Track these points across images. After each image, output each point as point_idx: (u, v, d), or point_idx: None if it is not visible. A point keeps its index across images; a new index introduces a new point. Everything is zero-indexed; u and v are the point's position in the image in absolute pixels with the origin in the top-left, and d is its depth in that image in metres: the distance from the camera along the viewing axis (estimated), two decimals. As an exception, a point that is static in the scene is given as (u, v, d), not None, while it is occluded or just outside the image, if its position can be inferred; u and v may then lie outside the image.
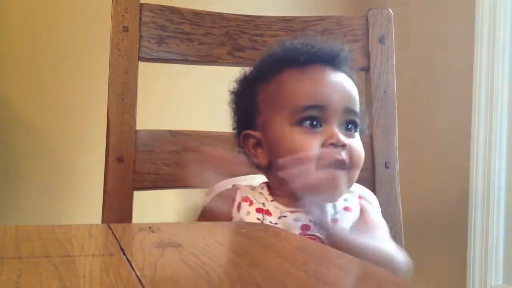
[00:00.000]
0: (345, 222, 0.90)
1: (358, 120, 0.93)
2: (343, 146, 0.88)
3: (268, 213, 0.90)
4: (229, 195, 0.93)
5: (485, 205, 1.97)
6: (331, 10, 2.27)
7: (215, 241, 0.61)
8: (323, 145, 0.88)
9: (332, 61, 0.94)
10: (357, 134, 0.93)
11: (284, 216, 0.89)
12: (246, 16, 1.17)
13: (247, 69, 1.00)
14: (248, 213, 0.90)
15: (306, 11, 2.20)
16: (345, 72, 0.95)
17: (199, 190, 0.90)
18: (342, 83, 0.93)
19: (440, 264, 2.08)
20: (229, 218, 0.91)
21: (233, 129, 0.99)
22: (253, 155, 0.94)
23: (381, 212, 1.08)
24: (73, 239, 0.59)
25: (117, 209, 1.07)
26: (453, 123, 2.11)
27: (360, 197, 0.96)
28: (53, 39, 2.01)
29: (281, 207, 0.91)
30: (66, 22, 2.03)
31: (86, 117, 2.00)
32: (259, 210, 0.91)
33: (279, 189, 0.93)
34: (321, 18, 1.20)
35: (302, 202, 0.85)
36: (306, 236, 0.87)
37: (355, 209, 0.92)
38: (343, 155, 0.88)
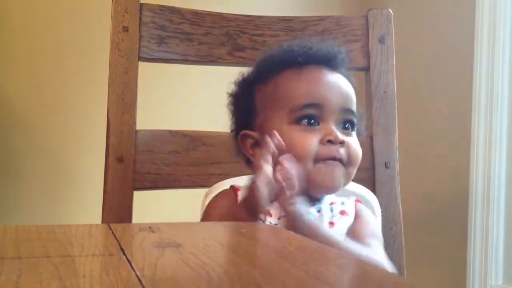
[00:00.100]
0: (342, 225, 0.91)
1: (355, 120, 0.94)
2: (341, 143, 0.90)
3: (268, 213, 0.90)
4: (229, 195, 0.93)
5: (485, 205, 1.97)
6: (331, 10, 2.27)
7: (215, 241, 0.61)
8: (321, 142, 0.90)
9: (329, 62, 0.96)
10: (354, 133, 0.94)
11: (284, 216, 0.90)
12: (246, 16, 1.17)
13: (245, 71, 1.01)
14: (249, 213, 0.91)
15: (306, 11, 2.20)
16: (341, 73, 0.96)
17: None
18: (339, 83, 0.94)
19: (440, 264, 2.08)
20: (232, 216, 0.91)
21: (231, 130, 1.00)
22: (251, 155, 0.95)
23: (381, 212, 1.08)
24: (73, 239, 0.59)
25: (117, 209, 1.07)
26: (453, 123, 2.11)
27: (358, 200, 0.97)
28: (53, 39, 2.01)
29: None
30: (66, 22, 2.03)
31: (86, 117, 2.00)
32: None
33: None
34: (321, 18, 1.20)
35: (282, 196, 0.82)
36: None
37: (351, 213, 0.94)
38: (341, 151, 0.90)
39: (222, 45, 1.15)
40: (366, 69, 1.19)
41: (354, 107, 0.95)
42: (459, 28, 2.10)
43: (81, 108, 2.01)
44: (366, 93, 1.18)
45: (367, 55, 1.19)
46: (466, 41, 2.03)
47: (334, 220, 0.92)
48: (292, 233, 0.66)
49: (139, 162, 1.08)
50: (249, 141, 0.95)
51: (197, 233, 0.67)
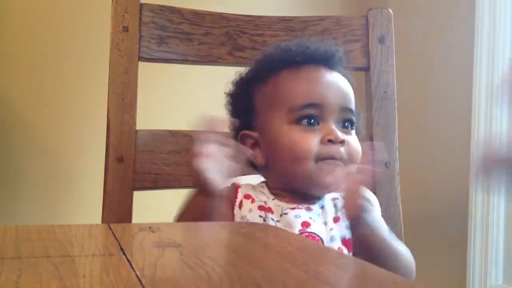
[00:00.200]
0: (346, 220, 0.92)
1: (354, 118, 0.95)
2: (341, 142, 0.91)
3: (270, 210, 0.92)
4: (228, 193, 0.94)
5: (485, 205, 1.97)
6: (331, 10, 2.27)
7: (215, 241, 0.61)
8: (322, 142, 0.91)
9: (327, 61, 0.97)
10: (353, 132, 0.95)
11: (285, 213, 0.91)
12: (246, 16, 1.17)
13: (243, 71, 1.01)
14: (250, 210, 0.92)
15: (306, 11, 2.20)
16: (339, 72, 0.97)
17: None
18: (338, 83, 0.95)
19: (440, 264, 2.08)
20: (228, 216, 0.92)
21: (230, 130, 1.00)
22: (251, 155, 0.95)
23: (381, 212, 1.08)
24: (73, 239, 0.59)
25: (117, 209, 1.06)
26: (453, 123, 2.11)
27: None
28: (53, 39, 2.01)
29: (282, 204, 0.92)
30: (66, 22, 2.02)
31: (86, 117, 1.99)
32: (261, 208, 0.92)
33: (278, 187, 0.95)
34: (321, 18, 1.20)
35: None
36: (306, 233, 0.89)
37: None
38: (342, 150, 0.91)
39: (222, 45, 1.15)
40: (366, 69, 1.19)
41: (353, 106, 0.96)
42: (459, 28, 2.10)
43: (81, 108, 2.00)
44: (366, 93, 1.18)
45: (367, 55, 1.19)
46: (466, 41, 2.03)
47: (339, 215, 0.93)
48: (292, 233, 0.66)
49: (139, 162, 1.08)
50: (249, 142, 0.96)
51: (197, 233, 0.67)
